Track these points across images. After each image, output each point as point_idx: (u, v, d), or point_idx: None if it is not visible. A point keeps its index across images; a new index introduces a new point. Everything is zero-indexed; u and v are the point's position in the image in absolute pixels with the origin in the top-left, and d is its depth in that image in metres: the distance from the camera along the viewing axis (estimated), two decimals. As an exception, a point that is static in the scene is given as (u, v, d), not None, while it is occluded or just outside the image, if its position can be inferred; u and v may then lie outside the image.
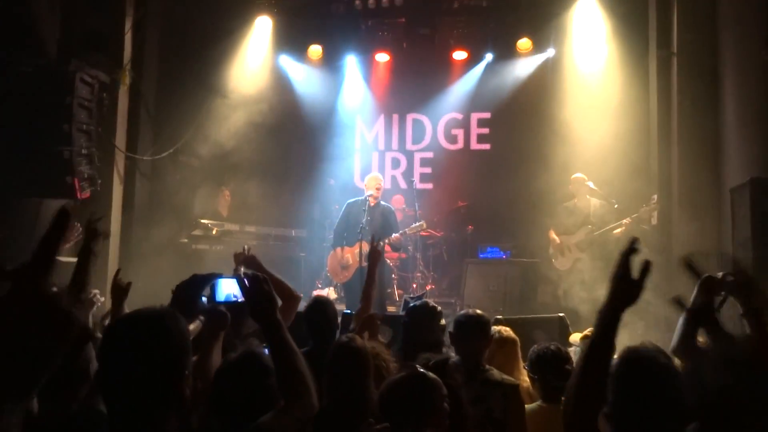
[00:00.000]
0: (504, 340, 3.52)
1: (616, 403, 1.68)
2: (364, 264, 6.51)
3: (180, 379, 1.45)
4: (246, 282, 1.80)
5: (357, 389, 2.45)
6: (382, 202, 6.97)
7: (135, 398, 1.39)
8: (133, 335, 1.43)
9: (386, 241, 6.62)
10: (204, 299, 2.12)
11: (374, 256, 3.97)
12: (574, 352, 3.51)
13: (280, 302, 3.37)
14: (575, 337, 3.94)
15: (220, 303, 2.05)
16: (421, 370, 2.15)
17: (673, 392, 1.67)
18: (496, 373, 3.00)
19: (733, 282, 2.47)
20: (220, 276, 1.97)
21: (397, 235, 6.72)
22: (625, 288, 1.61)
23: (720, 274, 2.45)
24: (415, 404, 2.04)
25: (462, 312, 3.28)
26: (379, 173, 7.57)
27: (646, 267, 1.60)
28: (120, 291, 3.21)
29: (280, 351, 1.76)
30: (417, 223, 6.96)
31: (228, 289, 1.98)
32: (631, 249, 1.62)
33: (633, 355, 1.78)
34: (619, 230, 6.64)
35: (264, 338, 1.81)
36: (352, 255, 6.73)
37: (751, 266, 5.05)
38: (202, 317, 2.40)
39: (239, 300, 1.91)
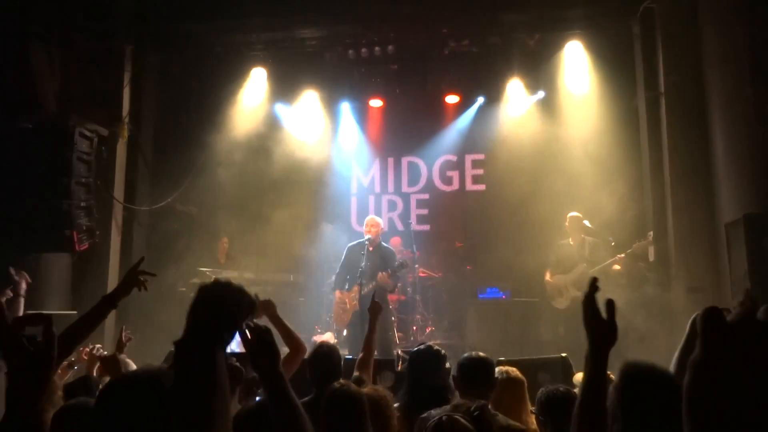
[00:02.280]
0: (512, 381, 3.47)
1: (624, 417, 1.68)
2: (356, 307, 6.51)
3: None
4: (248, 333, 1.79)
5: None
6: (383, 244, 6.98)
7: None
8: (128, 397, 1.41)
9: (372, 283, 6.57)
10: None
11: (374, 308, 3.97)
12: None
13: (285, 351, 3.39)
14: (579, 377, 3.91)
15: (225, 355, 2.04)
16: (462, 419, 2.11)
17: (677, 399, 1.68)
18: (501, 419, 2.97)
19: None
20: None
21: (383, 274, 6.65)
22: (599, 329, 1.63)
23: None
24: None
25: (465, 355, 3.25)
26: (376, 216, 7.60)
27: (610, 305, 1.64)
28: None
29: (280, 404, 1.72)
30: (398, 261, 6.81)
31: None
32: (593, 289, 1.66)
33: (633, 369, 1.81)
34: (617, 266, 6.66)
35: (265, 390, 1.79)
36: (349, 299, 6.75)
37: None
38: None
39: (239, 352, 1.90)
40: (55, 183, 6.16)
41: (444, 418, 2.10)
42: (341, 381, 2.68)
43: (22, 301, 4.07)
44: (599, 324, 1.64)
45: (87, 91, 7.09)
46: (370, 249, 6.65)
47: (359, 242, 6.85)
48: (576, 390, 3.53)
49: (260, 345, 1.77)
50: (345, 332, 7.24)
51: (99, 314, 2.51)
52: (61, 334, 2.39)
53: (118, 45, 7.39)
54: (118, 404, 1.42)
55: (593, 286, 1.67)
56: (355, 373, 3.56)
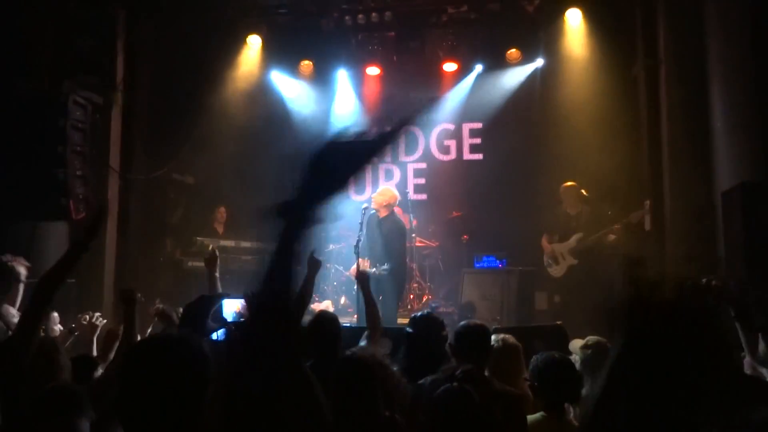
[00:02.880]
0: (508, 348, 3.52)
1: None
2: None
3: (201, 403, 1.43)
4: (254, 300, 1.79)
5: (364, 401, 2.43)
6: (393, 217, 6.79)
7: (156, 424, 1.37)
8: (158, 359, 1.41)
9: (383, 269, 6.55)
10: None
11: (361, 280, 4.00)
12: (573, 360, 3.53)
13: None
14: (575, 345, 3.95)
15: (229, 322, 2.06)
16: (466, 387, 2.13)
17: None
18: (497, 384, 3.01)
19: (722, 287, 2.56)
20: (227, 296, 1.99)
21: (353, 268, 6.67)
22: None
23: (704, 279, 2.52)
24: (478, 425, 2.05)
25: (462, 323, 3.29)
26: (391, 187, 7.41)
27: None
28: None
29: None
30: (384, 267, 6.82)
31: (233, 308, 1.99)
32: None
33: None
34: (612, 237, 6.69)
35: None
36: (352, 271, 6.74)
37: (743, 269, 5.13)
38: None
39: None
40: (50, 152, 6.11)
41: (454, 383, 2.11)
42: (352, 349, 2.71)
43: (21, 287, 4.06)
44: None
45: (80, 59, 6.98)
46: (378, 219, 6.62)
47: (364, 207, 6.82)
48: (572, 356, 3.58)
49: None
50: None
51: (75, 259, 2.51)
52: (38, 286, 2.43)
53: (111, 11, 7.25)
54: (146, 365, 1.42)
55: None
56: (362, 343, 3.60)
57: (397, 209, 8.79)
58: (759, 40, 5.29)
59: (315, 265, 3.73)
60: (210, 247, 3.89)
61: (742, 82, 5.65)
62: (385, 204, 6.75)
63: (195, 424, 1.42)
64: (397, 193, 6.94)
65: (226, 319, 1.97)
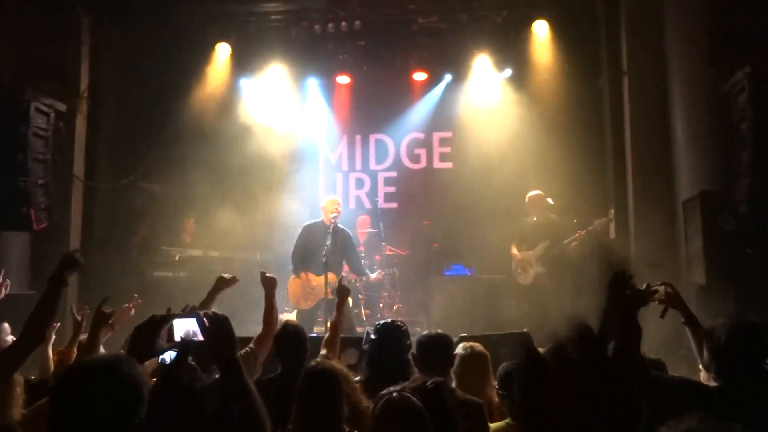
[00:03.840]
0: (476, 356, 3.52)
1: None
2: (330, 296, 6.40)
3: (132, 428, 1.43)
4: (206, 321, 1.79)
5: (329, 413, 2.43)
6: (340, 226, 6.85)
7: None
8: (88, 384, 1.41)
9: (364, 280, 6.64)
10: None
11: (342, 292, 3.99)
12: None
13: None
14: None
15: (179, 343, 2.03)
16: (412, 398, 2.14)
17: None
18: (459, 394, 3.02)
19: (671, 294, 2.64)
20: (178, 316, 1.95)
21: (378, 274, 6.80)
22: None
23: (645, 285, 2.60)
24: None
25: (424, 333, 3.28)
26: (337, 196, 7.52)
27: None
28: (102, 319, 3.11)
29: (237, 390, 1.74)
30: (374, 274, 6.95)
31: (184, 328, 1.95)
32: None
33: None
34: (575, 243, 6.79)
35: (221, 377, 1.80)
36: (319, 285, 6.58)
37: (704, 275, 5.25)
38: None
39: (197, 339, 1.88)
40: (10, 160, 5.98)
41: (394, 395, 2.13)
42: (318, 359, 2.70)
43: None
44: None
45: (43, 65, 6.86)
46: (335, 227, 6.60)
47: (318, 222, 6.79)
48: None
49: (218, 334, 1.78)
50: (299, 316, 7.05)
51: (56, 296, 2.47)
52: (25, 327, 2.37)
53: (75, 16, 7.14)
54: (77, 391, 1.42)
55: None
56: (323, 351, 3.58)
57: (365, 218, 8.82)
58: (716, 52, 5.45)
59: (269, 282, 3.82)
60: (230, 277, 3.93)
61: (701, 94, 5.80)
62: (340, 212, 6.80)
63: None
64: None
65: (177, 340, 1.94)
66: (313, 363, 2.64)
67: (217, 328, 1.78)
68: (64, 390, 1.44)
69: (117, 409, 1.40)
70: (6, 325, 4.08)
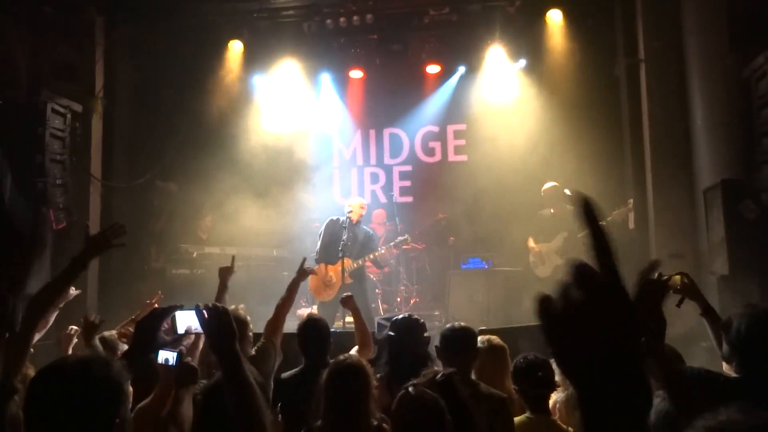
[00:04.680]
0: (494, 349, 3.51)
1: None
2: (348, 281, 6.53)
3: (110, 429, 1.42)
4: (205, 314, 1.78)
5: (358, 407, 2.46)
6: (363, 225, 6.95)
7: None
8: (58, 386, 1.39)
9: (369, 257, 6.63)
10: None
11: (301, 273, 4.10)
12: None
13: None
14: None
15: (181, 336, 2.03)
16: (429, 393, 2.15)
17: None
18: (483, 387, 3.01)
19: (687, 284, 2.59)
20: (180, 307, 1.95)
21: (383, 250, 6.74)
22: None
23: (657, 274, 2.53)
24: (429, 427, 2.06)
25: (448, 326, 3.27)
26: (361, 196, 7.55)
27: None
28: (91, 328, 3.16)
29: (236, 384, 1.73)
30: (402, 238, 6.97)
31: (187, 321, 1.95)
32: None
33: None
34: None
35: (221, 370, 1.79)
36: (336, 273, 6.68)
37: (726, 265, 5.16)
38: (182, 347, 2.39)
39: (197, 332, 1.89)
40: (29, 160, 6.05)
41: (410, 390, 2.14)
42: (345, 354, 2.72)
43: None
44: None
45: (58, 66, 6.92)
46: (353, 222, 6.64)
47: (341, 217, 6.82)
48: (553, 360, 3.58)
49: (218, 326, 1.77)
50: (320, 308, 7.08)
51: (72, 276, 2.47)
52: (33, 298, 2.38)
53: (88, 17, 7.18)
54: (47, 394, 1.41)
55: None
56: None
57: (380, 212, 8.81)
58: (736, 36, 5.34)
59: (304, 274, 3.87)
60: (233, 258, 4.00)
61: (722, 79, 5.70)
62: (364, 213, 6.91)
63: None
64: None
65: (179, 333, 1.94)
66: (340, 358, 2.66)
67: (216, 321, 1.77)
68: (36, 393, 1.42)
69: (91, 411, 1.38)
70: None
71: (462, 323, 3.28)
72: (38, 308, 2.40)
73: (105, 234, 2.53)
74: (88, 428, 1.38)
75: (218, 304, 1.82)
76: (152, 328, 1.87)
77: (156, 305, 3.76)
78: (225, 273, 4.02)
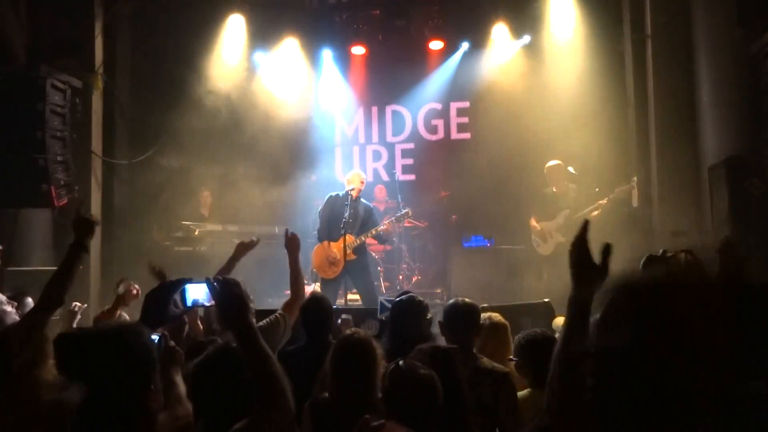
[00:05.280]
0: (496, 326, 3.52)
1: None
2: (352, 257, 6.53)
3: (146, 394, 1.42)
4: (216, 285, 1.76)
5: (365, 382, 2.49)
6: (363, 200, 6.90)
7: (100, 416, 1.36)
8: (93, 352, 1.40)
9: (371, 232, 6.60)
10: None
11: (291, 244, 3.80)
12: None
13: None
14: (559, 321, 3.97)
15: (190, 308, 2.02)
16: (418, 365, 2.15)
17: None
18: (486, 362, 3.01)
19: (689, 262, 2.56)
20: (189, 281, 1.92)
21: (386, 224, 6.69)
22: (586, 274, 1.58)
23: (661, 251, 2.51)
24: (422, 401, 2.07)
25: (451, 301, 3.27)
26: (361, 170, 7.49)
27: (607, 250, 1.57)
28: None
29: (253, 355, 1.71)
30: (403, 211, 6.93)
31: (198, 293, 1.93)
32: (584, 231, 1.61)
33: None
34: (596, 212, 6.67)
35: (237, 343, 1.77)
36: (339, 250, 6.65)
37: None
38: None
39: (209, 305, 1.87)
40: (29, 137, 6.01)
41: (401, 363, 2.14)
42: (352, 329, 2.73)
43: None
44: (587, 267, 1.57)
45: (57, 41, 6.85)
46: (353, 198, 6.60)
47: (341, 193, 6.79)
48: (556, 334, 3.58)
49: (229, 298, 1.75)
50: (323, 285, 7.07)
51: (75, 261, 2.47)
52: (45, 291, 2.39)
53: (87, -9, 7.09)
54: (78, 358, 1.42)
55: (585, 228, 1.61)
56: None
57: (381, 188, 8.78)
58: (745, 11, 5.25)
59: (292, 243, 3.71)
60: (255, 238, 3.90)
61: (728, 56, 5.62)
62: (364, 184, 6.82)
63: (143, 412, 1.42)
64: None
65: (188, 305, 1.92)
66: (348, 332, 2.70)
67: (228, 293, 1.74)
68: (71, 358, 1.44)
69: (128, 377, 1.40)
70: (30, 299, 4.16)
71: (466, 298, 3.27)
72: (51, 303, 2.43)
73: (80, 215, 2.52)
74: (126, 394, 1.39)
75: (228, 277, 1.80)
76: (162, 301, 1.86)
77: (130, 291, 3.71)
78: (242, 249, 3.93)
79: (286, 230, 3.77)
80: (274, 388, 1.68)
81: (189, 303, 1.92)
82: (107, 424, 1.37)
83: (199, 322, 3.47)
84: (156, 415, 1.47)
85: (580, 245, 1.60)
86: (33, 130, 6.03)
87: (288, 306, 3.54)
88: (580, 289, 1.57)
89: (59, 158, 6.26)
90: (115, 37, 7.63)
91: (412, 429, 1.89)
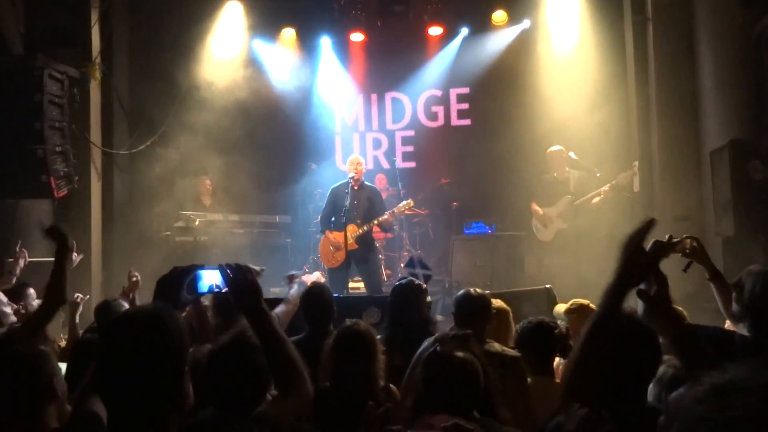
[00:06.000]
0: (498, 313, 3.51)
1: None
2: (354, 246, 6.51)
3: (181, 376, 1.43)
4: (229, 271, 1.77)
5: (364, 370, 2.52)
6: (367, 183, 6.87)
7: (138, 398, 1.37)
8: (134, 334, 1.39)
9: (374, 222, 6.58)
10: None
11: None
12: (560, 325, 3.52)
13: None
14: (559, 309, 3.95)
15: (203, 294, 2.01)
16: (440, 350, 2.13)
17: None
18: (496, 346, 3.02)
19: (696, 248, 2.56)
20: (202, 267, 1.92)
21: (387, 215, 6.67)
22: (637, 269, 1.59)
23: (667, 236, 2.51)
24: (466, 386, 2.04)
25: (462, 292, 3.26)
26: (359, 155, 7.45)
27: (662, 247, 1.61)
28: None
29: (269, 340, 1.73)
30: (405, 202, 6.91)
31: (210, 279, 1.93)
32: (646, 228, 1.62)
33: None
34: (597, 198, 6.64)
35: (252, 328, 1.78)
36: (342, 238, 6.64)
37: (732, 227, 5.12)
38: None
39: (223, 290, 1.86)
40: (27, 128, 5.98)
41: (438, 348, 2.10)
42: (352, 320, 2.74)
43: (13, 279, 4.36)
44: (638, 262, 1.60)
45: (54, 31, 6.79)
46: (355, 188, 6.57)
47: (343, 182, 6.77)
48: (558, 321, 3.58)
49: (242, 283, 1.75)
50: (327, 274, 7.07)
51: (63, 261, 2.55)
52: (46, 295, 2.47)
53: (83, -20, 7.02)
54: (122, 341, 1.41)
55: (649, 224, 1.63)
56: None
57: (381, 177, 8.76)
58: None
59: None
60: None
61: (731, 38, 5.56)
62: (364, 171, 6.80)
63: (178, 394, 1.42)
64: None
65: (200, 291, 1.91)
66: (347, 323, 2.71)
67: (241, 279, 1.75)
68: (112, 341, 1.43)
69: (166, 360, 1.40)
70: (32, 290, 4.18)
71: (478, 289, 3.27)
72: (53, 304, 2.51)
73: (46, 228, 2.67)
74: (163, 376, 1.39)
75: (240, 263, 1.80)
76: (174, 287, 1.85)
77: (136, 277, 3.73)
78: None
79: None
80: (292, 371, 1.70)
81: (203, 289, 1.91)
82: (145, 408, 1.38)
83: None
84: (189, 397, 1.47)
85: (637, 240, 1.61)
86: (31, 121, 5.99)
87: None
88: (623, 281, 1.60)
89: (58, 149, 6.23)
90: (111, 26, 7.57)
91: (456, 415, 1.86)
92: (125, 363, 1.37)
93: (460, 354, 2.07)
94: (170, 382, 1.40)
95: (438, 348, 2.11)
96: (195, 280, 1.90)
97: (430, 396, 2.03)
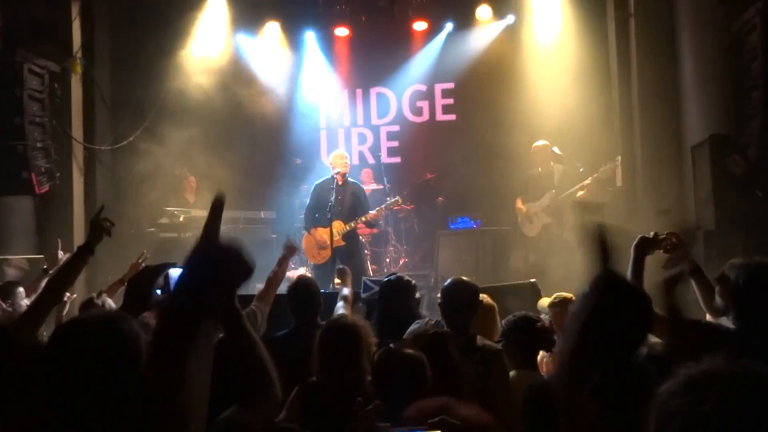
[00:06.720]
0: (483, 307, 3.52)
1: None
2: (340, 243, 6.51)
3: (134, 383, 1.38)
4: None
5: (351, 366, 2.50)
6: (351, 180, 6.88)
7: (88, 406, 1.33)
8: (84, 341, 1.35)
9: (361, 219, 6.59)
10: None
11: (288, 249, 4.13)
12: (544, 318, 3.55)
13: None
14: (542, 303, 3.98)
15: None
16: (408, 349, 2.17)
17: None
18: (479, 339, 3.03)
19: (675, 244, 2.61)
20: (173, 265, 1.89)
21: (373, 212, 6.67)
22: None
23: (652, 233, 2.59)
24: (407, 382, 2.08)
25: (450, 281, 3.26)
26: (344, 150, 7.44)
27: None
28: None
29: (239, 342, 1.65)
30: (393, 199, 6.92)
31: None
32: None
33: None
34: (581, 192, 6.70)
35: (222, 326, 1.75)
36: (329, 235, 6.64)
37: (713, 221, 5.20)
38: None
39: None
40: (7, 123, 5.90)
41: (391, 346, 2.15)
42: (338, 314, 2.74)
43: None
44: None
45: (34, 25, 6.68)
46: (340, 183, 6.56)
47: (327, 178, 6.76)
48: (542, 315, 3.62)
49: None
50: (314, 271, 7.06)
51: (79, 261, 2.53)
52: (47, 286, 2.40)
53: (63, -27, 6.93)
54: (72, 348, 1.37)
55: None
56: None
57: (367, 171, 8.76)
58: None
59: (291, 250, 4.04)
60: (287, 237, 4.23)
61: (711, 33, 5.62)
62: (348, 166, 6.84)
63: (131, 401, 1.37)
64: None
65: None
66: (334, 317, 2.75)
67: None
68: (59, 348, 1.39)
69: (118, 367, 1.36)
70: (21, 288, 4.13)
71: (464, 278, 3.27)
72: (53, 297, 2.46)
73: (97, 219, 2.64)
74: (114, 382, 1.35)
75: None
76: (146, 286, 1.84)
77: (143, 265, 3.72)
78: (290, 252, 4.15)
79: (288, 238, 4.23)
80: (263, 375, 1.66)
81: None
82: (96, 416, 1.34)
83: None
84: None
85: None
86: (11, 117, 5.93)
87: (260, 297, 3.56)
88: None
89: (39, 144, 6.17)
90: (92, 20, 7.47)
91: (400, 410, 1.88)
92: (78, 370, 1.33)
93: (408, 351, 2.16)
94: (125, 388, 1.36)
95: (391, 345, 2.17)
96: (168, 280, 1.88)
97: (376, 387, 2.13)
